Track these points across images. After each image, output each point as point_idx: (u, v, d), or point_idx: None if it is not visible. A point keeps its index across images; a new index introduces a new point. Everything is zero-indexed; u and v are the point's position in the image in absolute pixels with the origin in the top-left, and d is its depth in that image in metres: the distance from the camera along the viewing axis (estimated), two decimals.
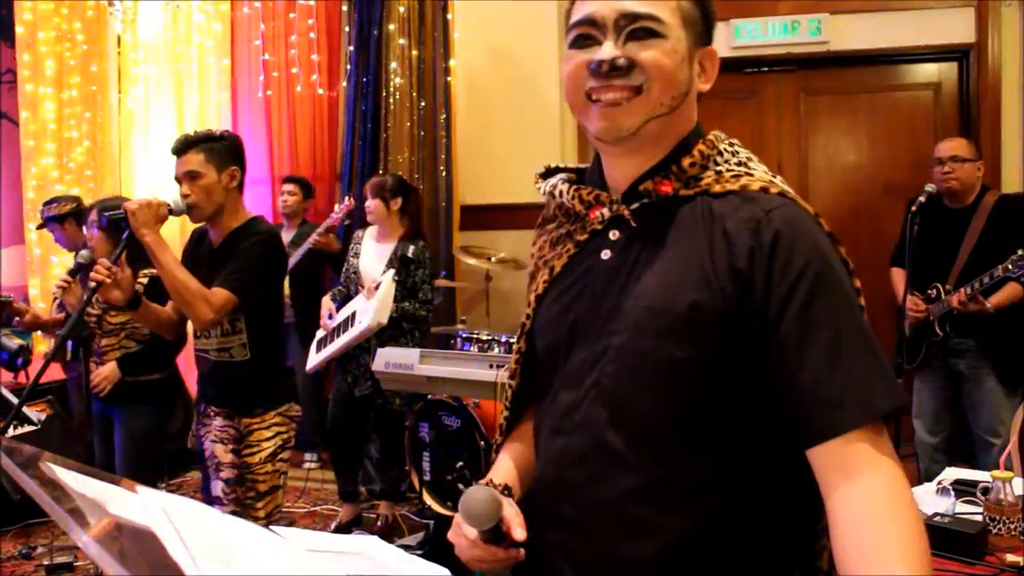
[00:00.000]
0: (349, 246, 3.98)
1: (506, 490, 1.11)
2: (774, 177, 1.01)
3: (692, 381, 0.95)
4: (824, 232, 0.97)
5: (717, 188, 0.98)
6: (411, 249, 3.69)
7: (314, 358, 3.89)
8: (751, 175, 1.00)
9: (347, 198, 4.48)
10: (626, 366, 0.97)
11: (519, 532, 1.01)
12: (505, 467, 1.16)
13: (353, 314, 3.66)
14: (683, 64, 0.99)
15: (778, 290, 0.91)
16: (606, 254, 1.03)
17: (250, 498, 2.46)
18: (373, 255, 3.81)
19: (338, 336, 3.72)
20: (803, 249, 0.92)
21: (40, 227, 3.89)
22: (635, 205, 1.01)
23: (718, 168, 1.01)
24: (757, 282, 0.92)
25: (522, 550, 1.04)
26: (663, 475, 0.96)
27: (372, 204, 3.74)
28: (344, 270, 3.92)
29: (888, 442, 0.90)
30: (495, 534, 1.00)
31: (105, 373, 2.98)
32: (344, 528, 3.81)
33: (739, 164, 1.02)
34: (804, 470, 0.95)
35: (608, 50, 0.95)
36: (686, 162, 1.00)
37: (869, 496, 0.86)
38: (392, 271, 3.60)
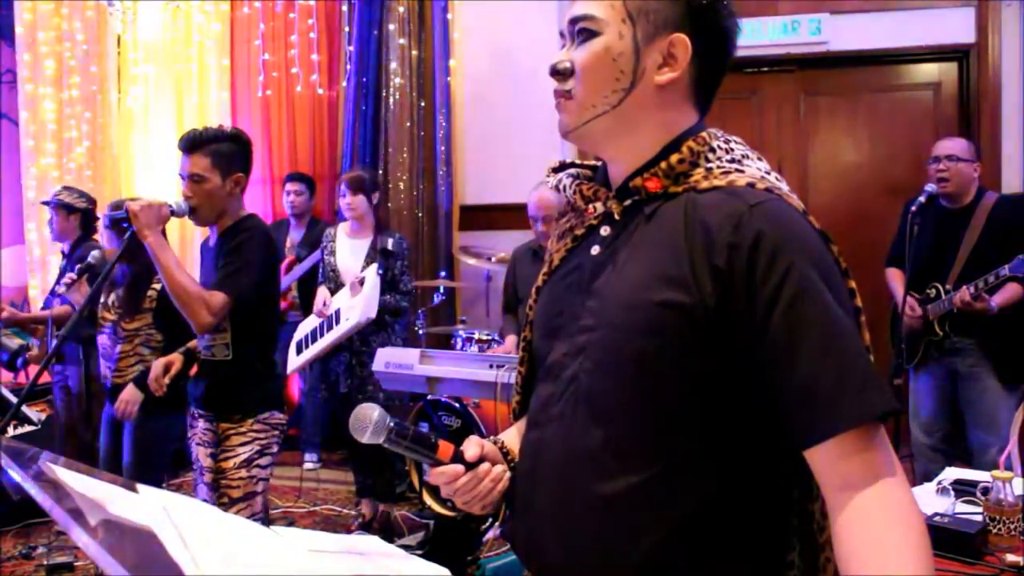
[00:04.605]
0: (322, 244, 3.94)
1: (493, 439, 1.14)
2: (768, 173, 1.00)
3: (667, 378, 0.94)
4: (813, 229, 0.94)
5: (704, 184, 0.97)
6: (390, 241, 3.66)
7: (295, 360, 3.87)
8: (741, 172, 0.98)
9: None
10: (603, 362, 0.97)
11: (472, 450, 1.05)
12: (511, 431, 1.19)
13: (337, 312, 3.65)
14: (620, 59, 0.99)
15: (763, 291, 0.89)
16: (595, 249, 1.04)
17: (222, 504, 2.35)
18: (348, 251, 3.80)
19: (321, 336, 3.71)
20: (788, 248, 0.90)
21: (45, 202, 3.93)
22: (627, 202, 1.03)
23: (709, 165, 1.00)
24: (738, 281, 0.90)
25: (496, 468, 1.07)
26: (636, 471, 0.95)
27: (354, 200, 3.71)
28: (321, 268, 3.90)
29: (886, 443, 0.89)
30: (418, 446, 1.03)
31: (126, 398, 2.93)
32: (368, 524, 3.79)
33: (732, 161, 1.00)
34: (786, 471, 0.95)
35: (556, 56, 1.03)
36: (674, 159, 0.99)
37: (869, 498, 0.86)
38: (375, 265, 3.59)
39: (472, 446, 1.07)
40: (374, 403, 1.02)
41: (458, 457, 1.04)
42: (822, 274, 0.90)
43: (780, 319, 0.89)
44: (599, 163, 1.14)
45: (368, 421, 1.00)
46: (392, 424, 1.01)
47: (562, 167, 1.17)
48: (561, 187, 1.12)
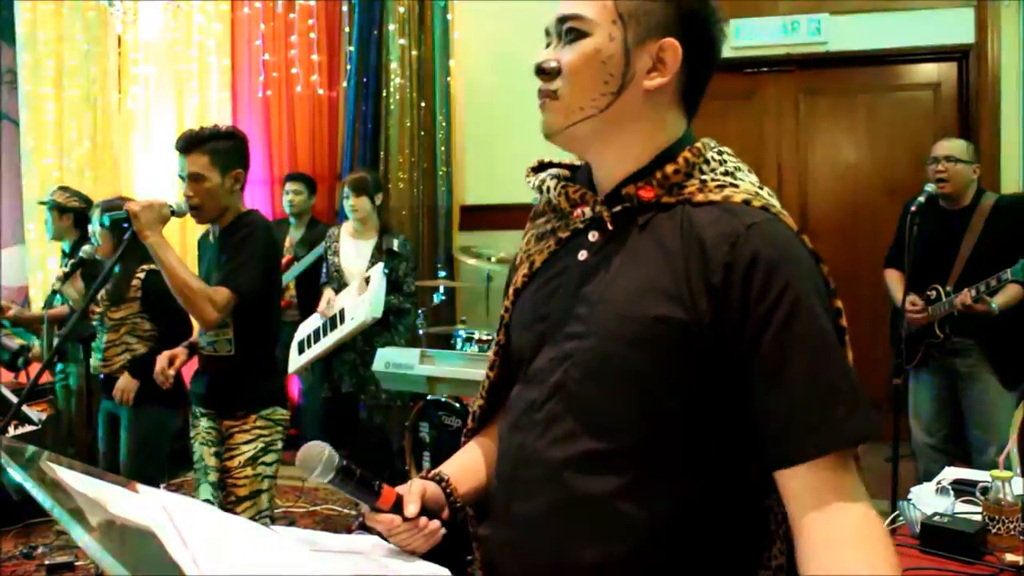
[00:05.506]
0: (326, 244, 3.94)
1: (439, 478, 1.10)
2: (760, 189, 0.99)
3: (657, 387, 0.93)
4: (806, 251, 0.94)
5: (700, 197, 0.96)
6: (395, 243, 3.69)
7: (297, 359, 3.87)
8: (736, 186, 0.97)
9: None
10: (592, 371, 0.96)
11: (412, 507, 1.02)
12: (458, 459, 1.16)
13: (342, 311, 3.65)
14: (609, 62, 0.97)
15: (756, 311, 0.89)
16: (583, 255, 1.02)
17: (230, 503, 2.38)
18: (352, 251, 3.81)
19: (325, 335, 3.71)
20: (783, 270, 0.90)
21: (42, 203, 3.97)
22: (616, 208, 1.01)
23: (703, 177, 0.98)
24: (733, 300, 0.90)
25: (432, 523, 1.04)
26: (621, 473, 0.94)
27: (358, 202, 3.73)
28: (325, 268, 3.91)
29: (854, 467, 0.89)
30: (362, 490, 1.00)
31: (122, 386, 2.94)
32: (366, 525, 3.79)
33: (725, 174, 0.99)
34: (767, 475, 0.95)
35: (541, 54, 1.01)
36: (670, 169, 0.98)
37: (841, 524, 0.86)
38: (380, 265, 3.60)
39: (413, 500, 1.03)
40: (324, 442, 0.99)
41: (398, 506, 1.02)
42: (814, 298, 0.91)
43: (773, 337, 0.89)
44: (580, 163, 1.11)
45: (318, 460, 0.97)
46: (341, 465, 0.98)
47: (541, 167, 1.14)
48: (544, 188, 1.09)
